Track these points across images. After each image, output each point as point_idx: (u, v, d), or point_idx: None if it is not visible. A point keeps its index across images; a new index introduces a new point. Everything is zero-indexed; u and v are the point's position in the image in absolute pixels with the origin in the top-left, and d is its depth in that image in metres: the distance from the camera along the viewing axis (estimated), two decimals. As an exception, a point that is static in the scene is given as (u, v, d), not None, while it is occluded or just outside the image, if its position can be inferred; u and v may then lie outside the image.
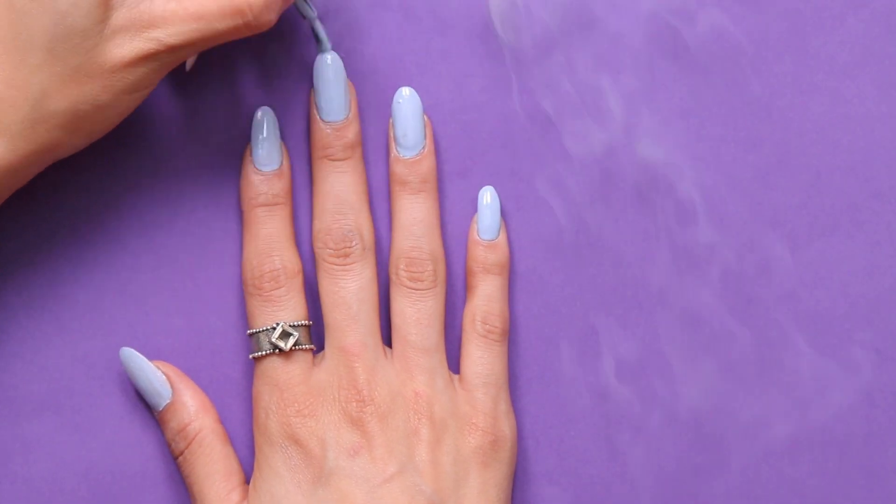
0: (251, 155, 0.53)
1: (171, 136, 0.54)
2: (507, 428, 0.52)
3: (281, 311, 0.51)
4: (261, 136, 0.52)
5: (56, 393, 0.53)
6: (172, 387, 0.52)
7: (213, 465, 0.52)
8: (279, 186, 0.52)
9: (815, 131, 0.54)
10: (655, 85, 0.54)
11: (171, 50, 0.48)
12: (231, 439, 0.53)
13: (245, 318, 0.53)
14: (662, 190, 0.54)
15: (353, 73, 0.54)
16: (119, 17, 0.47)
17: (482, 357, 0.52)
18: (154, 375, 0.52)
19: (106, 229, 0.53)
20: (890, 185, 0.54)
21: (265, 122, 0.53)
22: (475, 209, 0.54)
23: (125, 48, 0.47)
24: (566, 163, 0.54)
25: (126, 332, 0.53)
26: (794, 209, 0.54)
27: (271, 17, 0.48)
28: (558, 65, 0.54)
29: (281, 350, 0.51)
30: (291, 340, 0.51)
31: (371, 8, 0.54)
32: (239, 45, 0.54)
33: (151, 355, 0.53)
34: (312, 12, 0.52)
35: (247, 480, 0.53)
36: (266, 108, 0.53)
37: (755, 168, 0.54)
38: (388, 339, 0.53)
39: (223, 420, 0.53)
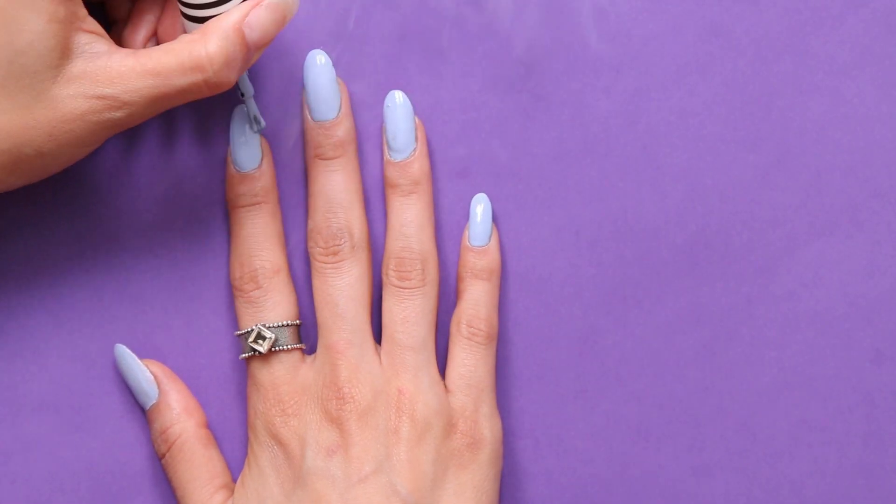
0: (230, 156, 0.53)
1: (170, 135, 0.54)
2: (487, 431, 0.52)
3: (262, 312, 0.51)
4: (237, 138, 0.52)
5: (56, 393, 0.53)
6: (159, 387, 0.52)
7: (193, 470, 0.52)
8: (258, 187, 0.52)
9: (815, 131, 0.54)
10: (656, 85, 0.54)
11: (125, 107, 0.47)
12: (228, 438, 0.53)
13: (245, 318, 0.53)
14: (662, 190, 0.54)
15: (354, 73, 0.54)
16: (75, 67, 0.47)
17: (465, 360, 0.52)
18: (142, 374, 0.52)
19: (105, 229, 0.53)
20: (890, 185, 0.54)
21: (240, 123, 0.52)
22: (474, 209, 0.54)
23: (77, 101, 0.47)
24: (565, 162, 0.54)
25: (125, 331, 0.53)
26: (794, 209, 0.54)
27: (231, 76, 0.48)
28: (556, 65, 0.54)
29: (260, 353, 0.51)
30: (267, 343, 0.51)
31: (371, 8, 0.54)
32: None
33: (150, 355, 0.53)
34: (251, 89, 0.51)
35: (235, 479, 0.53)
36: (241, 108, 0.53)
37: (755, 168, 0.54)
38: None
39: (221, 419, 0.53)
